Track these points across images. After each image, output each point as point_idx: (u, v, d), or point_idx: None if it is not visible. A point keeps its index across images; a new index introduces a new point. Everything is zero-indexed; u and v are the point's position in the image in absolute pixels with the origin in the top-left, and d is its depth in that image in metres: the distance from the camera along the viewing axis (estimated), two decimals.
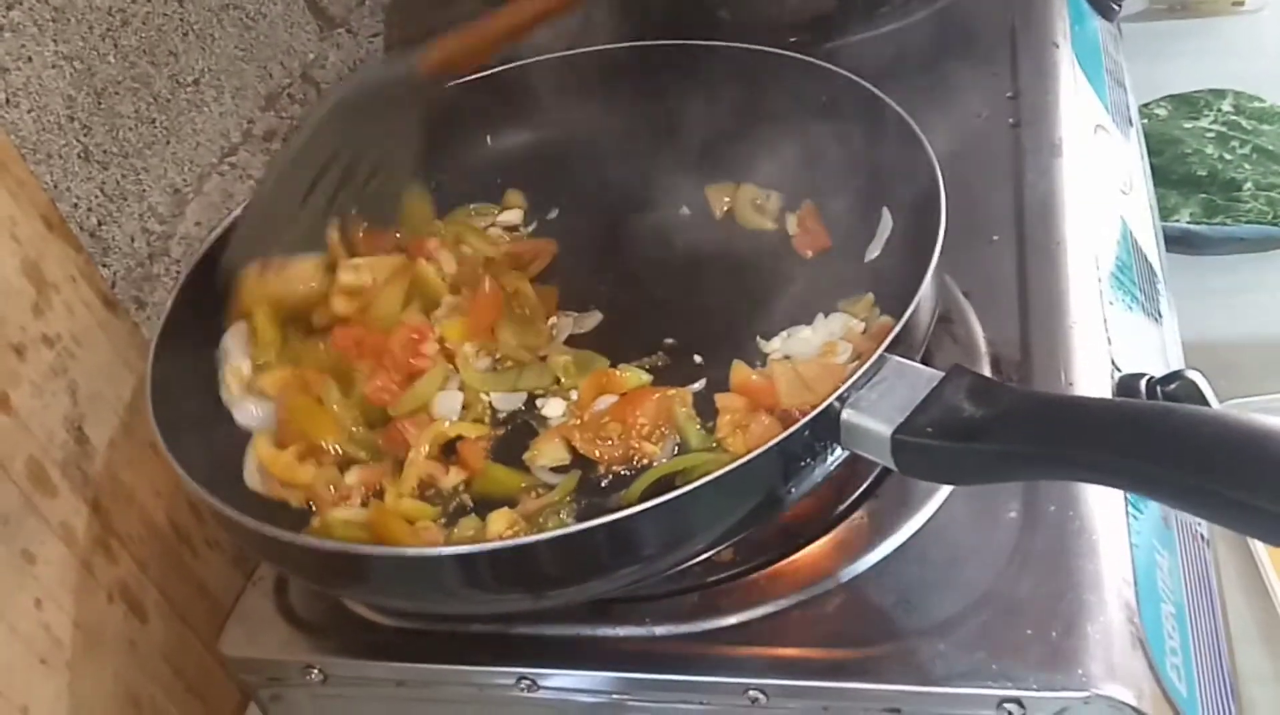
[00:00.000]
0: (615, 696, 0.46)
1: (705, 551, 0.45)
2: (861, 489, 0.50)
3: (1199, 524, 0.53)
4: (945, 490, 0.49)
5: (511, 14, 0.56)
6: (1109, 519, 0.46)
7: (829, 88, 0.59)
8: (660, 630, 0.47)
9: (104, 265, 0.56)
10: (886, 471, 0.50)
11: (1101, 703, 0.41)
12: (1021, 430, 0.39)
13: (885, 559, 0.47)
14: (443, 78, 0.58)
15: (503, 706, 0.48)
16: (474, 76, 0.66)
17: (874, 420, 0.41)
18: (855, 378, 0.42)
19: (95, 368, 0.54)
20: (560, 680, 0.47)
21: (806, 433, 0.42)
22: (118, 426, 0.55)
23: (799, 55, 0.61)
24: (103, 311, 0.55)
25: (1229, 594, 0.52)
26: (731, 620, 0.46)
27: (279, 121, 0.70)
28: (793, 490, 0.43)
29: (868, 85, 0.57)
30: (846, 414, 0.42)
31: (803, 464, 0.43)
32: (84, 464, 0.53)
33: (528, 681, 0.47)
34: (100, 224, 0.56)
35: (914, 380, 0.42)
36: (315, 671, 0.49)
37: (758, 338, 0.55)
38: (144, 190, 0.59)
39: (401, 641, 0.49)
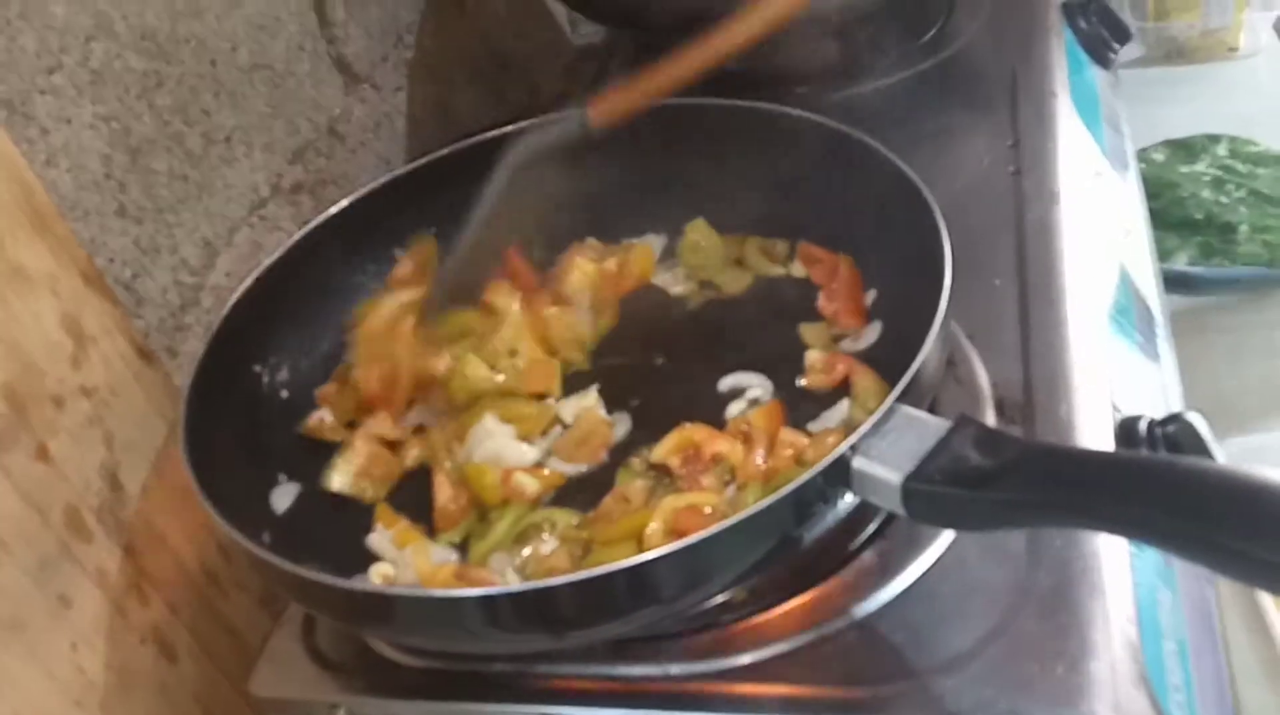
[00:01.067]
0: None
1: (720, 592, 0.47)
2: (871, 530, 0.51)
3: None
4: (952, 531, 0.50)
5: (676, 65, 0.57)
6: (1112, 557, 0.48)
7: (833, 144, 0.61)
8: (675, 669, 0.48)
9: (138, 317, 0.58)
10: (894, 514, 0.52)
11: None
12: (1028, 480, 0.40)
13: (895, 598, 0.48)
14: (613, 126, 0.59)
15: None
16: (517, 126, 0.69)
17: (885, 468, 0.43)
18: (866, 428, 0.43)
19: (129, 417, 0.56)
20: None
21: (820, 480, 0.43)
22: (151, 473, 0.57)
23: (802, 113, 0.63)
24: (137, 362, 0.57)
25: (1231, 632, 0.52)
26: (745, 659, 0.47)
27: (306, 175, 0.73)
28: (805, 534, 0.45)
29: (869, 140, 0.59)
30: (858, 462, 0.43)
31: (815, 510, 0.44)
32: (118, 510, 0.55)
33: None
34: (135, 277, 0.59)
35: (922, 430, 0.43)
36: (342, 711, 0.51)
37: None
38: (176, 244, 0.62)
39: (426, 681, 0.50)
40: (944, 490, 0.41)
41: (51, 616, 0.51)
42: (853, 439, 0.43)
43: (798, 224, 0.65)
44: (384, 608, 0.46)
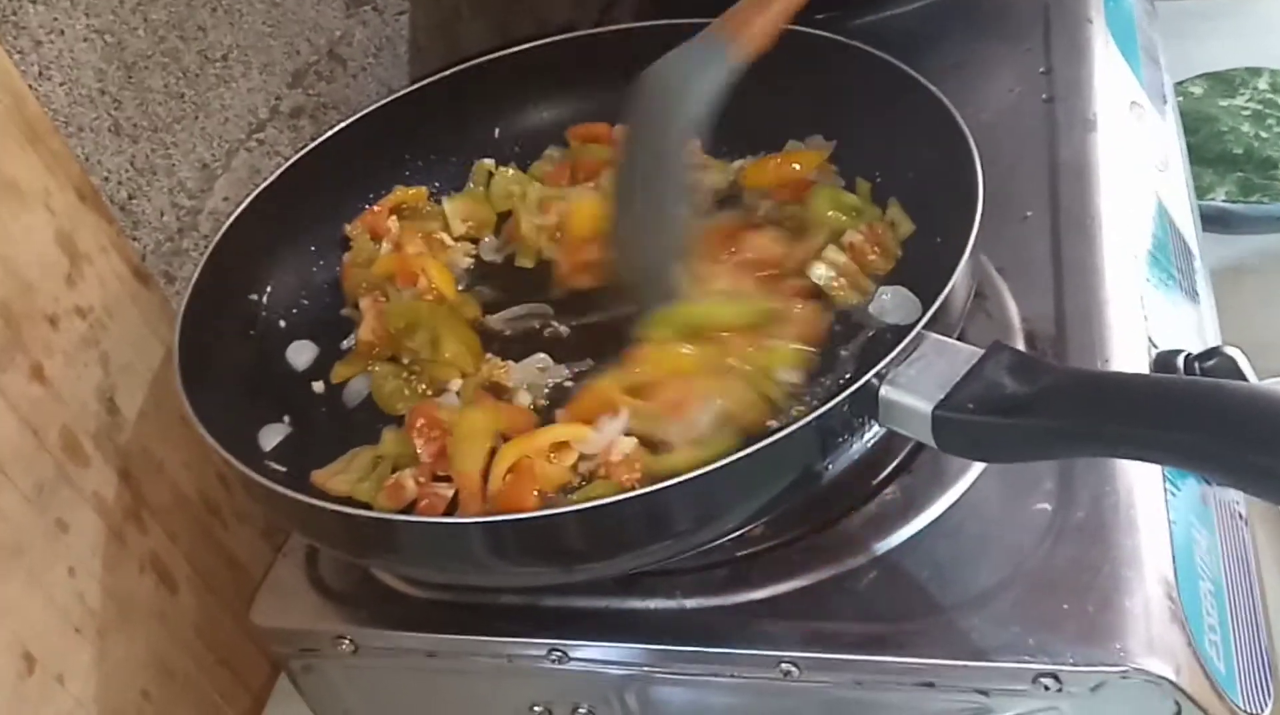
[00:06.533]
0: (645, 668, 0.46)
1: (738, 528, 0.45)
2: (894, 464, 0.49)
3: (1237, 502, 0.52)
4: (980, 465, 0.48)
5: None
6: (1147, 495, 0.46)
7: (861, 66, 0.58)
8: (691, 603, 0.46)
9: (134, 239, 0.56)
10: (919, 447, 0.50)
11: (1139, 677, 0.40)
12: (1067, 406, 0.38)
13: (919, 533, 0.47)
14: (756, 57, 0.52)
15: (533, 678, 0.48)
16: (521, 48, 0.66)
17: (914, 397, 0.41)
18: (893, 355, 0.41)
19: (126, 339, 0.54)
20: (591, 652, 0.47)
21: (845, 408, 0.41)
22: (148, 398, 0.56)
23: (829, 34, 0.60)
24: (134, 283, 0.55)
25: (1267, 576, 0.51)
26: (763, 593, 0.46)
27: (306, 98, 0.70)
28: (828, 466, 0.43)
29: (901, 65, 0.56)
30: (885, 391, 0.41)
31: (839, 441, 0.42)
32: (115, 435, 0.53)
33: (558, 653, 0.47)
34: (130, 198, 0.57)
35: (953, 357, 0.41)
36: (346, 642, 0.49)
37: None
38: (173, 165, 0.60)
39: (433, 613, 0.49)
40: (977, 418, 0.39)
41: (49, 541, 0.49)
42: (879, 367, 0.41)
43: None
44: (384, 536, 0.44)
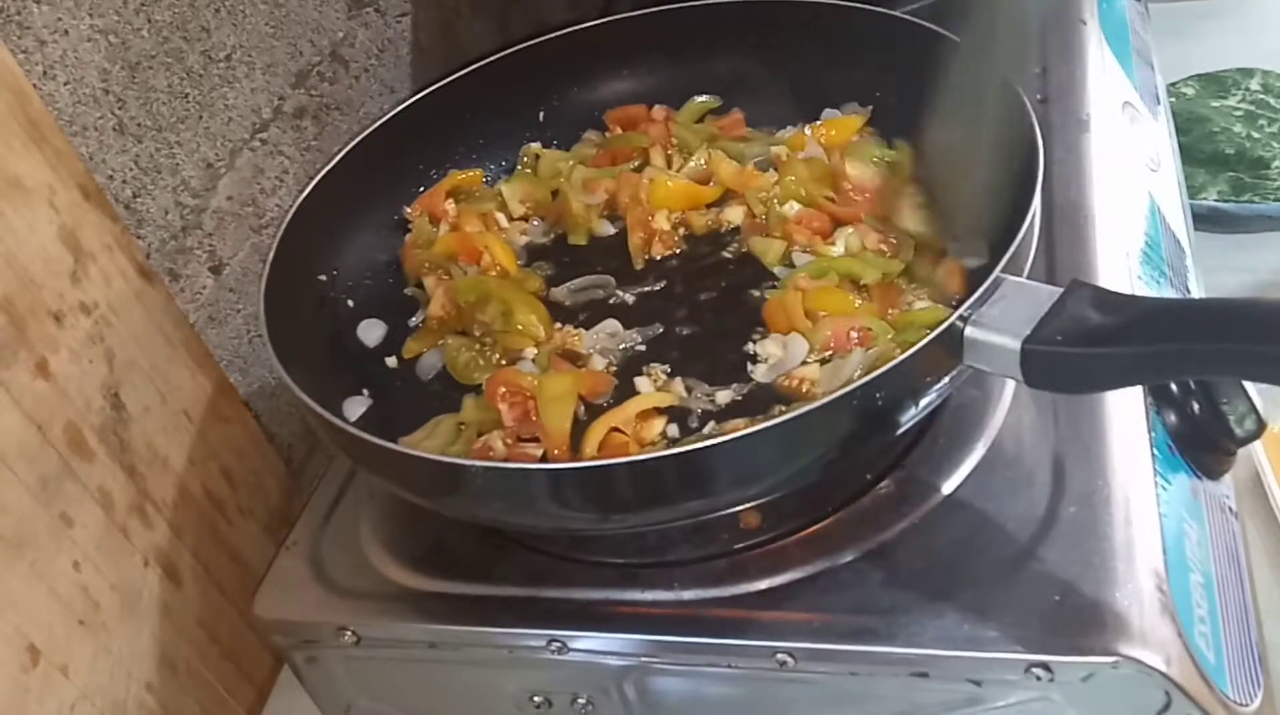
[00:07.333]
0: (644, 659, 0.47)
1: (810, 474, 0.45)
2: (889, 460, 0.50)
3: (1227, 497, 0.53)
4: (973, 460, 0.49)
5: None
6: (1138, 489, 0.46)
7: (903, 38, 0.60)
8: (688, 594, 0.47)
9: (139, 237, 0.57)
10: (914, 443, 0.51)
11: (1129, 667, 0.41)
12: (1157, 332, 0.39)
13: (914, 526, 0.47)
14: None
15: (533, 668, 0.49)
16: (596, 22, 0.68)
17: (1000, 334, 0.42)
18: (976, 296, 0.42)
19: (131, 336, 0.55)
20: (589, 643, 0.47)
21: (932, 350, 0.42)
22: (153, 395, 0.56)
23: (874, 8, 0.62)
24: (138, 281, 0.56)
25: (1257, 569, 0.51)
26: (760, 585, 0.46)
27: (309, 99, 0.71)
28: (910, 412, 0.44)
29: (932, 27, 0.58)
30: (970, 331, 0.42)
31: (925, 383, 0.43)
32: (120, 430, 0.54)
33: (558, 644, 0.47)
34: (135, 196, 0.57)
35: (1034, 296, 0.42)
36: (348, 633, 0.50)
37: None
38: (177, 164, 0.60)
39: (434, 604, 0.50)
40: (1066, 350, 0.41)
41: (54, 535, 0.50)
42: (963, 308, 0.42)
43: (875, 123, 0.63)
44: (493, 483, 0.44)
